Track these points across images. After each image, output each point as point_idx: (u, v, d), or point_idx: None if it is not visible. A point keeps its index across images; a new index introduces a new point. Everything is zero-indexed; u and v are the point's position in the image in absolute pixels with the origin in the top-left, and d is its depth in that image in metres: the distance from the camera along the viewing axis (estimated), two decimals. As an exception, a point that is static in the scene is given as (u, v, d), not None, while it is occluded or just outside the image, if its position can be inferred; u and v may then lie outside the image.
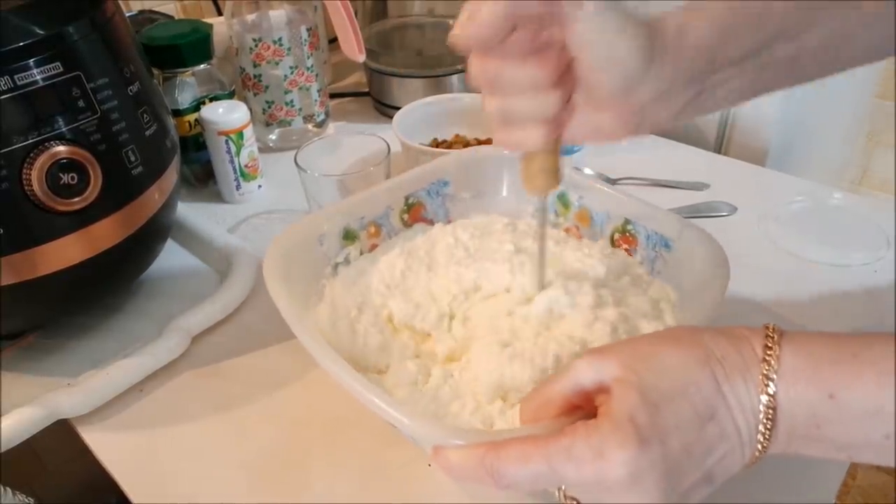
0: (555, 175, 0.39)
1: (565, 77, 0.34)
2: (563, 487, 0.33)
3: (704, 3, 0.34)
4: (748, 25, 0.34)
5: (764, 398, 0.30)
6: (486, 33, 0.31)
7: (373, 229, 0.56)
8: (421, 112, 0.77)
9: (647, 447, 0.30)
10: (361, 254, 0.55)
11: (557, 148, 0.38)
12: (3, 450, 0.46)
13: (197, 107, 0.72)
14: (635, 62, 0.32)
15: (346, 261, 0.54)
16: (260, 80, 0.79)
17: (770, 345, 0.31)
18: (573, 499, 0.33)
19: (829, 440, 0.30)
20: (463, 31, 0.32)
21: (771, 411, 0.30)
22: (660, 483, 0.30)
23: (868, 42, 0.36)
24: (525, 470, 0.32)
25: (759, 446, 0.31)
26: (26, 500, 0.55)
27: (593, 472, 0.30)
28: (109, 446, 0.49)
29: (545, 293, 0.47)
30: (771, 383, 0.30)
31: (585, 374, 0.33)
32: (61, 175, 0.46)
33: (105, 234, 0.50)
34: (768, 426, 0.30)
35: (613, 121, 0.36)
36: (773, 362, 0.30)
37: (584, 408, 0.34)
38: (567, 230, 0.58)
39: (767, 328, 0.32)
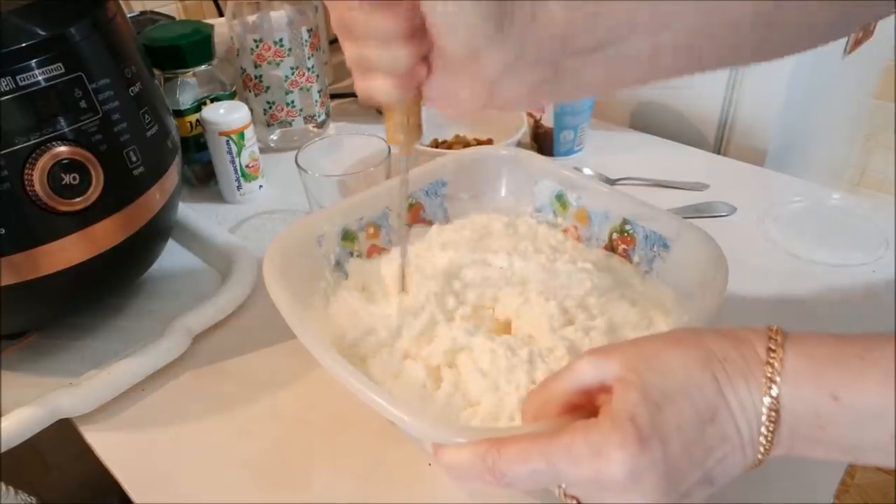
0: (414, 131, 0.39)
1: (420, 34, 0.34)
2: (563, 486, 0.33)
3: None
4: (602, 17, 0.33)
5: (767, 400, 0.30)
6: None
7: (371, 230, 0.56)
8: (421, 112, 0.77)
9: (648, 447, 0.30)
10: (359, 257, 0.56)
11: (417, 105, 0.38)
12: (4, 449, 0.46)
13: (198, 107, 0.72)
14: (480, 29, 0.32)
15: (343, 269, 0.55)
16: (261, 81, 0.79)
17: (773, 347, 0.31)
18: (574, 497, 0.33)
19: (833, 442, 0.30)
20: None
21: (774, 413, 0.30)
22: (659, 483, 0.30)
23: (733, 43, 0.35)
24: (525, 468, 0.32)
25: (762, 448, 0.31)
26: (28, 500, 0.55)
27: (592, 471, 0.30)
28: (111, 446, 0.49)
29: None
30: (774, 385, 0.30)
31: (587, 373, 0.33)
32: (63, 175, 0.46)
33: (106, 234, 0.50)
34: (771, 428, 0.30)
35: (465, 88, 0.36)
36: (776, 364, 0.30)
37: (585, 407, 0.34)
38: (565, 231, 0.58)
39: (770, 330, 0.32)
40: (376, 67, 0.35)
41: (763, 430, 0.30)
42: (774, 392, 0.30)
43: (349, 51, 0.35)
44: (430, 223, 0.59)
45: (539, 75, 0.35)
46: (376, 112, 0.88)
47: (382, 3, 0.32)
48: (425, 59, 0.35)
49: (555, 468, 0.31)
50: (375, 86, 0.36)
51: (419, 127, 0.40)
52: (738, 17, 0.33)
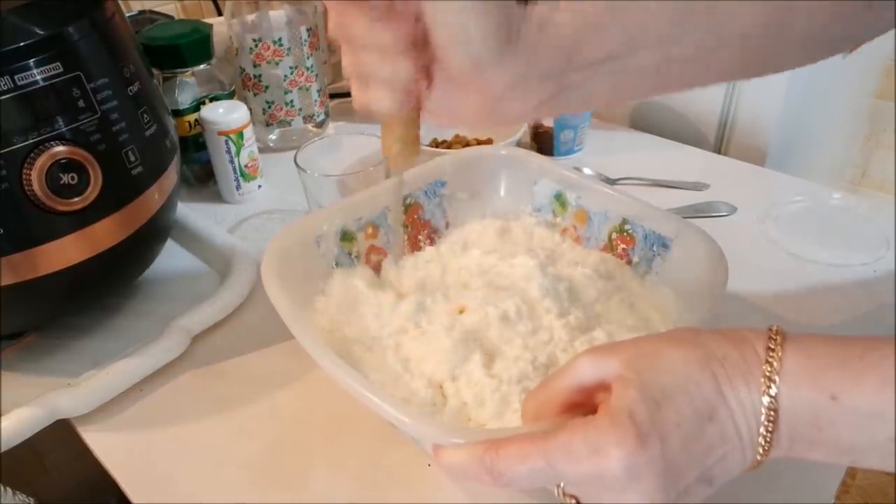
0: (411, 147, 0.38)
1: (422, 46, 0.33)
2: (562, 485, 0.33)
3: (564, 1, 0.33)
4: (611, 29, 0.33)
5: (766, 400, 0.30)
6: None
7: (370, 230, 0.56)
8: (421, 112, 0.77)
9: (646, 444, 0.29)
10: (357, 256, 0.56)
11: (416, 119, 0.37)
12: (3, 449, 0.46)
13: (197, 107, 0.72)
14: (486, 44, 0.31)
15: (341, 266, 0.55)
16: (260, 81, 0.79)
17: (772, 346, 0.31)
18: (573, 497, 0.33)
19: (831, 443, 0.30)
20: None
21: (772, 413, 0.30)
22: (658, 481, 0.30)
23: (741, 56, 0.34)
24: (523, 468, 0.32)
25: (761, 449, 0.31)
26: (26, 500, 0.55)
27: (591, 469, 0.30)
28: (109, 446, 0.49)
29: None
30: (773, 385, 0.30)
31: (586, 372, 0.33)
32: (61, 175, 0.46)
33: (105, 234, 0.50)
34: (770, 428, 0.30)
35: (467, 103, 0.35)
36: (775, 364, 0.30)
37: (584, 406, 0.34)
38: (564, 230, 0.58)
39: (771, 330, 0.32)
40: (375, 78, 0.34)
41: (762, 429, 0.30)
42: (773, 391, 0.30)
43: (347, 59, 0.35)
44: (429, 223, 0.59)
45: (545, 91, 0.34)
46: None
47: (384, 13, 0.31)
48: (426, 71, 0.34)
49: (553, 467, 0.31)
50: (374, 97, 0.35)
51: (417, 140, 0.38)
52: (748, 29, 0.33)
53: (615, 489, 0.31)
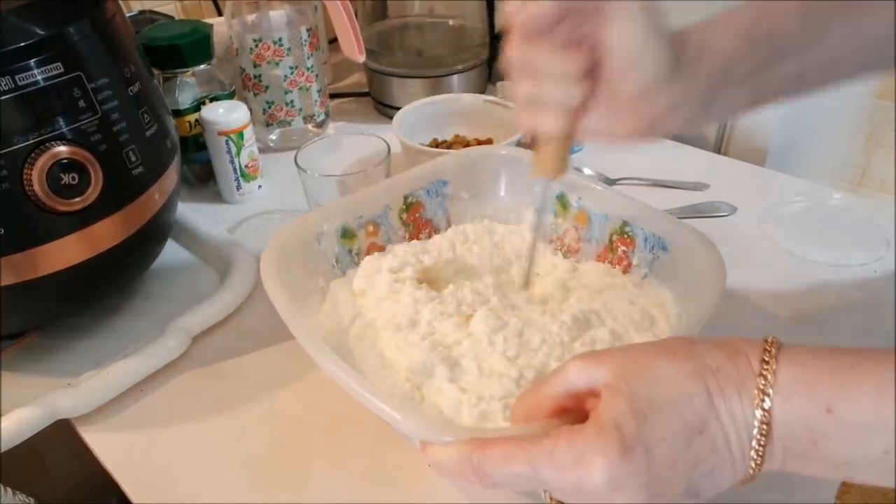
0: (564, 161, 0.42)
1: (592, 72, 0.37)
2: (548, 490, 0.33)
3: (717, 21, 0.37)
4: (757, 44, 0.36)
5: (758, 413, 0.30)
6: (538, 20, 0.35)
7: (371, 228, 0.56)
8: (421, 112, 0.77)
9: (630, 456, 0.29)
10: (358, 254, 0.55)
11: (570, 137, 0.41)
12: (3, 450, 0.46)
13: (197, 107, 0.72)
14: (658, 72, 0.35)
15: (342, 267, 0.55)
16: (260, 81, 0.79)
17: (767, 359, 0.30)
18: (559, 502, 0.33)
19: (826, 457, 0.30)
20: (518, 15, 0.35)
21: (765, 426, 0.30)
22: (641, 493, 0.30)
23: (868, 58, 0.37)
24: (508, 471, 0.32)
25: (753, 463, 0.30)
26: (26, 500, 0.55)
27: (573, 478, 0.30)
28: (110, 446, 0.49)
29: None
30: (767, 398, 0.29)
31: (576, 378, 0.33)
32: (62, 175, 0.46)
33: (105, 234, 0.50)
34: (762, 442, 0.30)
35: (627, 122, 0.38)
36: (769, 376, 0.30)
37: (574, 411, 0.34)
38: (561, 238, 0.58)
39: (766, 342, 0.31)
40: (548, 102, 0.38)
41: (754, 443, 0.30)
42: (766, 404, 0.29)
43: (524, 87, 0.38)
44: (430, 222, 0.59)
45: (697, 108, 0.37)
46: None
47: (566, 44, 0.36)
48: (591, 95, 0.38)
49: (537, 473, 0.31)
50: (543, 119, 0.39)
51: (568, 158, 0.42)
52: (881, 30, 0.36)
53: (597, 499, 0.30)
